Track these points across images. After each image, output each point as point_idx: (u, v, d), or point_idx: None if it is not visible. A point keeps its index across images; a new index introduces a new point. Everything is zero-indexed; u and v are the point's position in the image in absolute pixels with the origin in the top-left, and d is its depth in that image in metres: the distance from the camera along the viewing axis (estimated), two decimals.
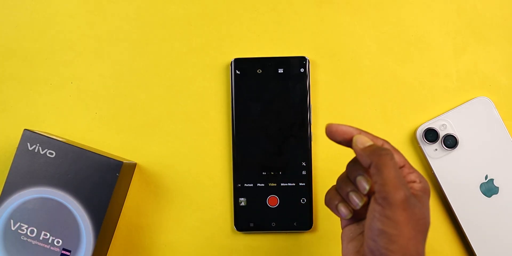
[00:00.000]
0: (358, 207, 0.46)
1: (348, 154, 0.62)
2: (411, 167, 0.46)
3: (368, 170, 0.45)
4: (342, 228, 0.48)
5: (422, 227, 0.43)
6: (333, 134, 0.46)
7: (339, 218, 0.58)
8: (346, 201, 0.47)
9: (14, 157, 0.56)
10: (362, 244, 0.46)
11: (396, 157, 0.46)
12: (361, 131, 0.46)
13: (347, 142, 0.46)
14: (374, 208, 0.42)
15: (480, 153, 0.60)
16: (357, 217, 0.48)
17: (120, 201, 0.60)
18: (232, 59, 0.62)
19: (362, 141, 0.45)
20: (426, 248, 0.61)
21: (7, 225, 0.55)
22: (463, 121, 0.60)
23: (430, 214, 0.44)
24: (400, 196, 0.41)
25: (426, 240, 0.43)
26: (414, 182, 0.45)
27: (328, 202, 0.48)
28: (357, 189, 0.46)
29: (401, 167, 0.46)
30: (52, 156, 0.56)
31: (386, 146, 0.46)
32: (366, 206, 0.46)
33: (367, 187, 0.45)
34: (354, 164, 0.46)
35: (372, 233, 0.42)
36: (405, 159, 0.46)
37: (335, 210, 0.47)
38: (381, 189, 0.42)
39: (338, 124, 0.46)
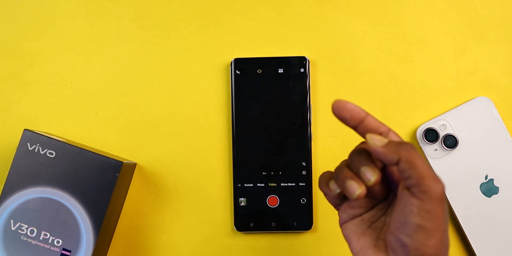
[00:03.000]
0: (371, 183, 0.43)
1: (348, 153, 0.62)
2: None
3: (373, 161, 0.43)
4: (342, 224, 0.47)
5: (448, 219, 0.42)
6: (340, 110, 0.43)
7: (338, 218, 0.58)
8: (357, 176, 0.44)
9: (14, 157, 0.56)
10: (376, 237, 0.45)
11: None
12: (368, 114, 0.44)
13: (352, 120, 0.43)
14: (411, 202, 0.41)
15: (480, 153, 0.60)
16: (358, 211, 0.46)
17: (120, 201, 0.60)
18: (232, 59, 0.62)
19: (379, 138, 0.43)
20: None
21: (7, 225, 0.55)
22: (463, 121, 0.60)
23: None
24: (440, 188, 0.40)
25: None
26: None
27: (337, 178, 0.44)
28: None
29: None
30: (52, 156, 0.56)
31: (392, 134, 0.44)
32: (366, 199, 0.46)
33: (373, 179, 0.42)
34: (358, 154, 0.44)
35: (407, 229, 0.41)
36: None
37: (344, 187, 0.43)
38: (420, 183, 0.40)
39: (346, 102, 0.43)
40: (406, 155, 0.41)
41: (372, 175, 0.42)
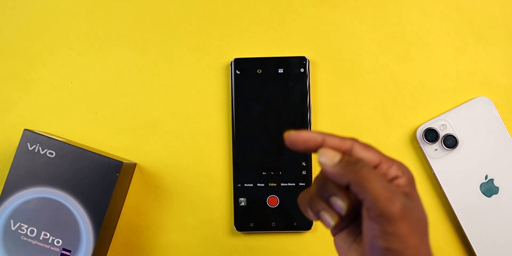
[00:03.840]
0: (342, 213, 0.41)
1: None
2: (388, 160, 0.41)
3: (340, 188, 0.40)
4: (333, 235, 0.44)
5: (424, 228, 0.39)
6: (294, 144, 0.40)
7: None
8: (329, 206, 0.41)
9: (14, 157, 0.56)
10: (361, 253, 0.42)
11: (370, 155, 0.40)
12: (325, 136, 0.40)
13: (311, 149, 0.41)
14: (371, 227, 0.38)
15: (480, 153, 0.60)
16: (343, 223, 0.43)
17: (120, 201, 0.60)
18: (232, 59, 0.62)
19: (329, 157, 0.40)
20: None
21: (7, 225, 0.55)
22: (463, 121, 0.60)
23: (423, 205, 0.40)
24: (396, 207, 0.38)
25: (429, 236, 0.40)
26: (397, 177, 0.40)
27: (311, 209, 0.42)
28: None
29: (378, 165, 0.40)
30: (52, 156, 0.56)
31: (356, 147, 0.41)
32: (351, 211, 0.42)
33: (344, 209, 0.40)
34: (324, 182, 0.41)
35: (375, 253, 0.38)
36: (380, 153, 0.41)
37: (320, 219, 0.42)
38: (374, 206, 0.38)
39: (298, 132, 0.40)
40: (355, 178, 0.38)
41: (342, 205, 0.40)
